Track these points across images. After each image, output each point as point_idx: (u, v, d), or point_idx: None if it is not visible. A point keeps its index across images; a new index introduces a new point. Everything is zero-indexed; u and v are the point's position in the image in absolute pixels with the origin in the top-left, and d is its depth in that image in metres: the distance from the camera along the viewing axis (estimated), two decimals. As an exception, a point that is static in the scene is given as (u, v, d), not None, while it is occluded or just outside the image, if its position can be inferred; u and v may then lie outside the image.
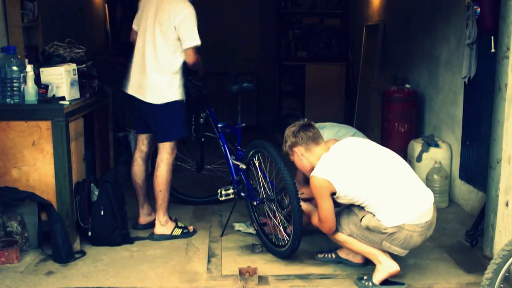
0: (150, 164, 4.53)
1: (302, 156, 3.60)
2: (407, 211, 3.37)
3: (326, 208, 3.43)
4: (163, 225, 4.21)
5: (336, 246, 3.79)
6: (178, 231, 4.23)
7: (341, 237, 3.54)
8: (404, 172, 3.53)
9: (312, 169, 3.51)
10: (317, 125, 4.26)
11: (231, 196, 4.25)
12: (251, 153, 4.09)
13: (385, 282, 3.48)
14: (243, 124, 4.30)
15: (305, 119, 3.71)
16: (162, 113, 4.10)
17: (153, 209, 4.37)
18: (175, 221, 4.31)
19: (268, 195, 3.98)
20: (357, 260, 3.76)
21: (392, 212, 3.36)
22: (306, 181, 4.29)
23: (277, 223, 3.95)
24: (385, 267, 3.47)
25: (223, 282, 3.56)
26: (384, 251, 3.48)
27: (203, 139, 4.71)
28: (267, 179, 3.99)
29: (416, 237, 3.40)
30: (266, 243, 4.00)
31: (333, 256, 3.84)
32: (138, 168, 4.33)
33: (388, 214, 3.37)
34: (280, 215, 3.94)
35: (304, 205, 3.75)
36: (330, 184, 3.37)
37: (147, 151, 4.36)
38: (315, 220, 3.62)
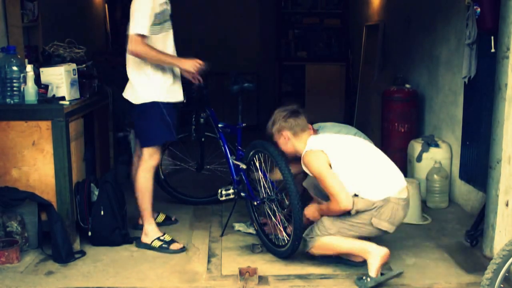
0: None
1: (288, 140, 3.78)
2: (389, 185, 3.57)
3: (334, 180, 3.49)
4: (145, 234, 4.07)
5: None
6: (157, 243, 4.02)
7: (325, 240, 3.57)
8: (381, 155, 3.76)
9: (296, 154, 3.77)
10: (317, 125, 4.30)
11: (231, 196, 4.23)
12: (251, 153, 4.08)
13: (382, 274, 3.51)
14: (243, 124, 4.27)
15: (295, 105, 3.87)
16: (138, 114, 3.96)
17: (154, 210, 4.35)
18: (174, 220, 4.27)
19: (269, 195, 3.98)
20: (357, 258, 3.75)
21: (375, 187, 3.54)
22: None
23: (277, 223, 3.96)
24: (375, 254, 3.49)
25: (223, 282, 3.56)
26: (371, 240, 3.56)
27: (203, 139, 4.72)
28: (268, 179, 3.98)
29: (400, 211, 3.55)
30: (266, 243, 4.00)
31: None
32: (135, 170, 4.24)
33: (373, 190, 3.51)
34: (280, 215, 3.94)
35: (309, 211, 3.76)
36: (325, 155, 3.55)
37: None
38: (328, 208, 3.56)
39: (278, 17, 9.38)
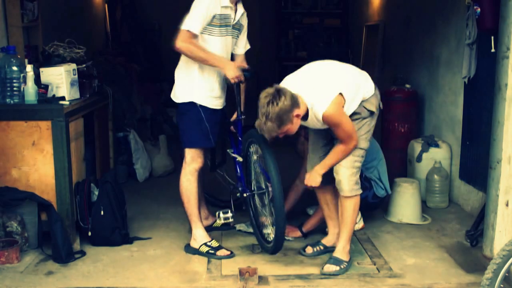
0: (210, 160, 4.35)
1: (300, 116, 3.48)
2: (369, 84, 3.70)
3: (350, 123, 3.51)
4: (194, 239, 3.99)
5: (320, 238, 3.95)
6: (204, 249, 3.93)
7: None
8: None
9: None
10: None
11: (230, 220, 4.05)
12: (246, 143, 3.98)
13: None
14: (243, 116, 4.03)
15: (273, 87, 3.52)
16: (179, 115, 3.99)
17: (211, 213, 4.36)
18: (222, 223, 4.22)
19: (259, 188, 3.90)
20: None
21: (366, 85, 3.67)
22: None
23: (265, 217, 3.91)
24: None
25: (223, 282, 3.55)
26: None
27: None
28: (261, 169, 3.86)
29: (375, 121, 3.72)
30: (258, 237, 3.97)
31: (321, 248, 3.91)
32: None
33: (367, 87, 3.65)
34: (269, 208, 3.86)
35: (320, 167, 3.65)
36: (341, 97, 3.47)
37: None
38: (340, 152, 3.56)
39: (278, 17, 9.39)
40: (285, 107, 3.39)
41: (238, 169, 4.08)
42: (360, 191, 3.69)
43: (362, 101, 3.61)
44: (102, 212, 4.05)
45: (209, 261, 3.85)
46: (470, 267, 3.75)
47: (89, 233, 4.06)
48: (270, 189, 3.75)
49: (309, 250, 3.92)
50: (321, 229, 4.23)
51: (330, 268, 3.65)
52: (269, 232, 3.90)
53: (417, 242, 4.18)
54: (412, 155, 5.23)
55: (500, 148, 3.63)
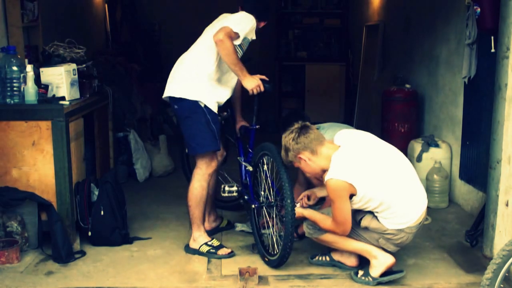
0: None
1: (309, 161, 3.45)
2: (411, 214, 3.40)
3: (345, 210, 3.32)
4: (194, 240, 3.99)
5: (330, 249, 3.77)
6: (204, 249, 3.93)
7: (330, 237, 3.53)
8: (409, 172, 3.50)
9: (323, 171, 3.43)
10: (317, 125, 4.24)
11: (234, 194, 4.08)
12: (259, 155, 3.92)
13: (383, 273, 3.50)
14: (257, 126, 4.06)
15: (300, 122, 3.53)
16: (185, 119, 3.91)
17: (218, 216, 4.39)
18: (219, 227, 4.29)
19: (269, 201, 3.87)
20: (351, 262, 3.71)
21: (398, 215, 3.37)
22: (309, 183, 4.28)
23: (273, 230, 3.84)
24: (382, 261, 3.48)
25: (223, 282, 3.56)
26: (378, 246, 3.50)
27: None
28: (270, 183, 3.84)
29: (411, 238, 3.47)
30: (260, 248, 3.90)
31: (327, 259, 3.80)
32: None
33: (394, 218, 3.37)
34: (277, 222, 3.84)
35: (308, 212, 3.60)
36: (351, 186, 3.28)
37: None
38: (326, 224, 3.46)
39: (278, 17, 9.38)
40: (290, 144, 3.45)
41: (247, 179, 4.07)
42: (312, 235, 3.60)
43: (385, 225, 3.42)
44: (102, 212, 4.05)
45: (209, 261, 3.85)
46: (470, 267, 3.75)
47: (89, 233, 4.06)
48: (278, 203, 3.73)
49: (314, 258, 3.84)
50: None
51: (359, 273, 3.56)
52: (270, 243, 3.84)
53: (417, 242, 4.17)
54: (412, 155, 5.23)
55: (500, 148, 3.63)
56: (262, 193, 3.93)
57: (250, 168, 4.01)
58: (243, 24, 3.78)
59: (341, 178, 3.28)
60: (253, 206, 3.96)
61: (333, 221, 3.41)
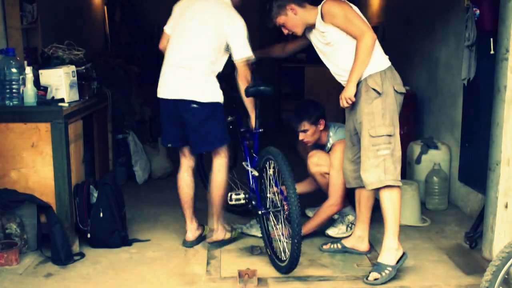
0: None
1: (296, 14, 3.68)
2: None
3: (359, 17, 3.51)
4: (221, 231, 4.11)
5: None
6: (235, 232, 4.23)
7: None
8: None
9: (303, 28, 3.73)
10: (334, 124, 4.32)
11: (242, 201, 4.05)
12: (263, 159, 3.89)
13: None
14: (260, 130, 4.02)
15: None
16: (208, 117, 3.95)
17: (199, 223, 4.28)
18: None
19: (275, 207, 3.82)
20: (363, 248, 3.84)
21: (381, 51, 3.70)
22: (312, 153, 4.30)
23: (278, 235, 3.80)
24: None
25: (222, 284, 3.56)
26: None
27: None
28: (277, 188, 3.79)
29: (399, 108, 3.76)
30: (270, 254, 3.84)
31: (339, 246, 3.87)
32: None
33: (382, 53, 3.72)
34: (284, 228, 3.78)
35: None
36: (346, 2, 3.51)
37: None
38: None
39: (277, 19, 9.38)
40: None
41: (254, 184, 4.03)
42: (396, 183, 3.57)
43: (366, 77, 3.58)
44: (101, 214, 4.05)
45: (208, 263, 3.85)
46: (469, 269, 3.75)
47: (88, 235, 4.06)
48: (286, 207, 3.64)
49: (325, 246, 3.91)
50: (320, 232, 4.23)
51: (371, 276, 3.51)
52: (280, 248, 3.77)
53: (416, 244, 4.18)
54: (411, 157, 5.24)
55: (499, 150, 3.63)
56: (269, 198, 3.89)
57: (256, 173, 3.98)
58: (246, 41, 3.90)
59: None
60: (259, 212, 3.92)
61: (359, 39, 3.49)
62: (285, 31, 3.88)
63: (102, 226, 4.05)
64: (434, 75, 5.49)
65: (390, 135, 3.58)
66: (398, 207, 3.58)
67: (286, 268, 3.62)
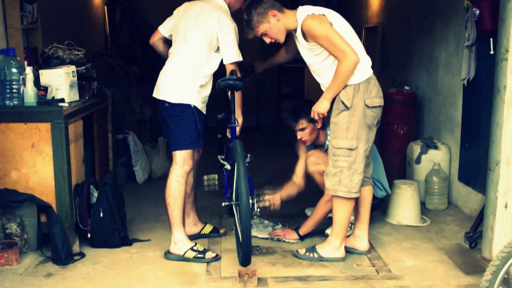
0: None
1: (278, 20, 3.61)
2: (368, 61, 3.67)
3: (340, 37, 3.45)
4: (175, 244, 3.91)
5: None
6: (190, 254, 3.87)
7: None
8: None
9: (285, 34, 3.66)
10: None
11: (215, 183, 4.15)
12: (233, 153, 3.89)
13: None
14: (235, 124, 4.00)
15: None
16: (174, 118, 3.94)
17: (200, 220, 4.33)
18: (222, 232, 4.29)
19: (237, 200, 3.74)
20: (363, 248, 3.91)
21: (362, 64, 3.57)
22: (307, 177, 4.30)
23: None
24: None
25: (222, 284, 3.56)
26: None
27: (219, 136, 4.59)
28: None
29: (379, 84, 3.72)
30: (237, 244, 3.83)
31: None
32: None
33: (360, 67, 3.56)
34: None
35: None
36: (325, 17, 3.49)
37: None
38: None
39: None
40: (259, 4, 3.61)
41: (225, 177, 4.10)
42: (349, 195, 3.67)
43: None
44: (101, 214, 4.05)
45: (208, 263, 3.85)
46: (469, 269, 3.75)
47: (89, 235, 4.06)
48: (250, 201, 3.61)
49: (302, 251, 3.93)
50: (319, 232, 4.23)
51: (302, 250, 3.87)
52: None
53: (416, 244, 4.18)
54: (411, 157, 5.24)
55: (499, 150, 3.63)
56: (234, 192, 3.85)
57: (228, 167, 4.05)
58: (236, 46, 3.92)
59: (317, 12, 3.51)
60: (223, 204, 3.91)
61: (339, 60, 3.47)
62: (267, 40, 3.78)
63: (102, 226, 4.05)
64: (434, 75, 5.50)
65: (351, 149, 3.62)
66: (347, 216, 3.76)
67: (240, 260, 3.66)
